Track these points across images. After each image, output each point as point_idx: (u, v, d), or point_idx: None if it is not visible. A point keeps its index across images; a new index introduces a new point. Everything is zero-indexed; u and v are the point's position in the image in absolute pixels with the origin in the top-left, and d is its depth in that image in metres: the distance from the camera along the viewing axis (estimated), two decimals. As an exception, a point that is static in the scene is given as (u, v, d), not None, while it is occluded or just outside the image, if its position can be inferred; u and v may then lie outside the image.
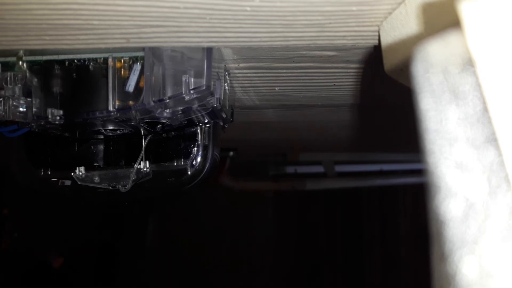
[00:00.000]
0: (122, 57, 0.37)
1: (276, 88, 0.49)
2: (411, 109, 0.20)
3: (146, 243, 1.51)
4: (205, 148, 0.43)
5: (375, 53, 0.37)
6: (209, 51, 0.36)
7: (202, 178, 0.44)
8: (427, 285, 0.19)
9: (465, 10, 0.17)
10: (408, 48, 0.28)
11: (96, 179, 0.43)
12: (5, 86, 0.37)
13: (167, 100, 0.36)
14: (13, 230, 1.21)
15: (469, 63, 0.17)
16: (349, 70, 0.43)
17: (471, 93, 0.17)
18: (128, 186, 0.42)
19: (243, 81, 0.46)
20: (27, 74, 0.37)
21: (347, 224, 1.72)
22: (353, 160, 1.48)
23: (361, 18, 0.31)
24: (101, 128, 0.41)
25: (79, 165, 0.42)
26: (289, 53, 0.38)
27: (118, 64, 0.37)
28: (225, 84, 0.42)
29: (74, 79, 0.38)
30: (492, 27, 0.17)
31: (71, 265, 1.33)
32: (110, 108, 0.37)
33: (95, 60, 0.37)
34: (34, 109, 0.38)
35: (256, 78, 0.45)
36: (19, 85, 0.37)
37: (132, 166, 0.43)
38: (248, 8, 0.29)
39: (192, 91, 0.36)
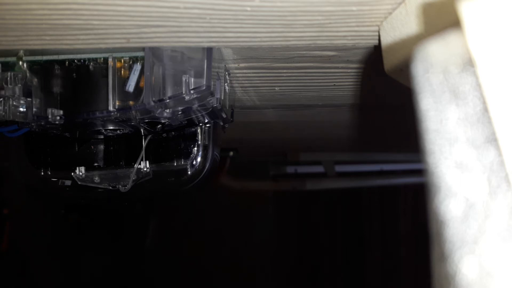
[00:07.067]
0: (122, 57, 0.37)
1: (276, 88, 0.49)
2: (411, 109, 0.20)
3: (146, 243, 1.51)
4: (205, 148, 0.43)
5: (375, 53, 0.37)
6: (209, 51, 0.36)
7: (202, 178, 0.44)
8: (427, 285, 0.19)
9: (465, 10, 0.17)
10: (408, 48, 0.28)
11: (96, 179, 0.43)
12: (5, 86, 0.37)
13: (167, 100, 0.36)
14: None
15: (469, 63, 0.17)
16: (349, 70, 0.43)
17: (471, 93, 0.17)
18: (128, 186, 0.42)
19: (243, 81, 0.46)
20: (27, 74, 0.37)
21: (347, 224, 1.72)
22: (353, 160, 1.48)
23: (361, 18, 0.31)
24: (101, 128, 0.41)
25: (79, 165, 0.42)
26: (289, 53, 0.38)
27: (118, 64, 0.37)
28: (225, 84, 0.42)
29: (74, 79, 0.38)
30: (492, 27, 0.17)
31: (70, 265, 1.33)
32: (110, 108, 0.37)
33: (95, 60, 0.37)
34: (34, 109, 0.38)
35: (256, 78, 0.45)
36: (19, 85, 0.37)
37: (132, 166, 0.43)
38: (248, 8, 0.29)
39: (192, 91, 0.36)
